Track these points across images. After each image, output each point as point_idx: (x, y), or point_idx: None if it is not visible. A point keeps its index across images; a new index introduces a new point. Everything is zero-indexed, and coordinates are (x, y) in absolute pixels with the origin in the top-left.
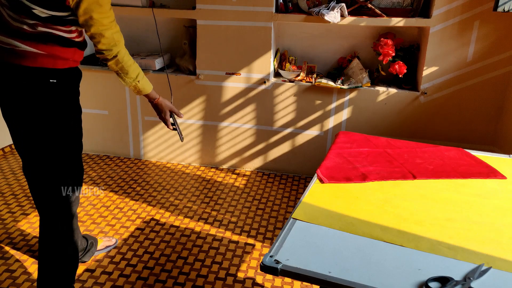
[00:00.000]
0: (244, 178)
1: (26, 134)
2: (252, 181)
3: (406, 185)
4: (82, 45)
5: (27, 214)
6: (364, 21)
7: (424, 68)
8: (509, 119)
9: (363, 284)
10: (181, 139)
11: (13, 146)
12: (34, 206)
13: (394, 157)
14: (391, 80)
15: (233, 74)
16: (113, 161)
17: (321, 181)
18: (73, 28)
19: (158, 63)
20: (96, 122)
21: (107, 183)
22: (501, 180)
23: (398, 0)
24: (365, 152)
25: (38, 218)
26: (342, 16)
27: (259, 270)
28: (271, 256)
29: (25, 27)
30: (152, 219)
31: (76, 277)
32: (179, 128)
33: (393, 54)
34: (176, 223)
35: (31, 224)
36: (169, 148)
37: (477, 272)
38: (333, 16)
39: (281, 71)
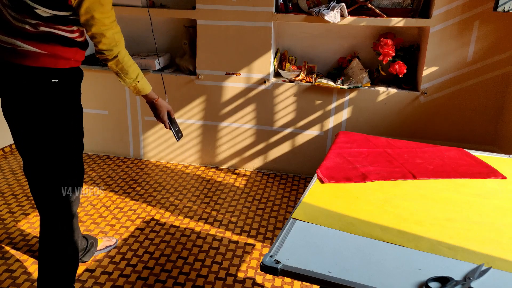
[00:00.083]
0: (244, 178)
1: (27, 133)
2: (252, 181)
3: (406, 185)
4: (84, 45)
5: (27, 214)
6: (364, 21)
7: (424, 68)
8: (509, 119)
9: (363, 284)
10: (177, 139)
11: (13, 146)
12: (34, 206)
13: (394, 157)
14: (391, 80)
15: (233, 74)
16: (113, 161)
17: (321, 181)
18: (75, 28)
19: (158, 63)
20: (96, 122)
21: (107, 183)
22: (501, 180)
23: (398, 0)
24: (365, 152)
25: (38, 218)
26: (342, 16)
27: (259, 270)
28: (271, 256)
29: (27, 27)
30: (152, 219)
31: (76, 277)
32: (178, 128)
33: (393, 54)
34: (176, 223)
35: (31, 224)
36: (169, 148)
37: (477, 272)
38: (333, 16)
39: (281, 71)
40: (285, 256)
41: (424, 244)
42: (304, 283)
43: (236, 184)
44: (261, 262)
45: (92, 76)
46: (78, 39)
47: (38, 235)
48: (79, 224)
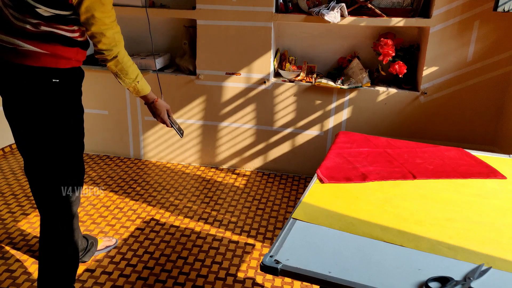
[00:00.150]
0: (244, 178)
1: (27, 133)
2: (252, 181)
3: (406, 185)
4: (85, 44)
5: (27, 214)
6: (364, 21)
7: (424, 68)
8: (509, 119)
9: (363, 284)
10: (180, 135)
11: (13, 146)
12: (34, 206)
13: (394, 157)
14: (391, 80)
15: (233, 74)
16: (113, 161)
17: (321, 181)
18: (76, 27)
19: (158, 63)
20: (96, 122)
21: (107, 183)
22: (501, 180)
23: (398, 0)
24: (365, 152)
25: (38, 218)
26: (342, 16)
27: (259, 270)
28: (271, 256)
29: (28, 26)
30: (152, 219)
31: (76, 277)
32: (178, 125)
33: (393, 54)
34: (176, 223)
35: (31, 224)
36: (169, 148)
37: (477, 272)
38: (333, 16)
39: (281, 71)
40: (285, 256)
41: (424, 244)
42: (304, 283)
43: (236, 184)
44: (261, 262)
45: (92, 76)
46: (79, 39)
47: (38, 235)
48: (79, 224)
